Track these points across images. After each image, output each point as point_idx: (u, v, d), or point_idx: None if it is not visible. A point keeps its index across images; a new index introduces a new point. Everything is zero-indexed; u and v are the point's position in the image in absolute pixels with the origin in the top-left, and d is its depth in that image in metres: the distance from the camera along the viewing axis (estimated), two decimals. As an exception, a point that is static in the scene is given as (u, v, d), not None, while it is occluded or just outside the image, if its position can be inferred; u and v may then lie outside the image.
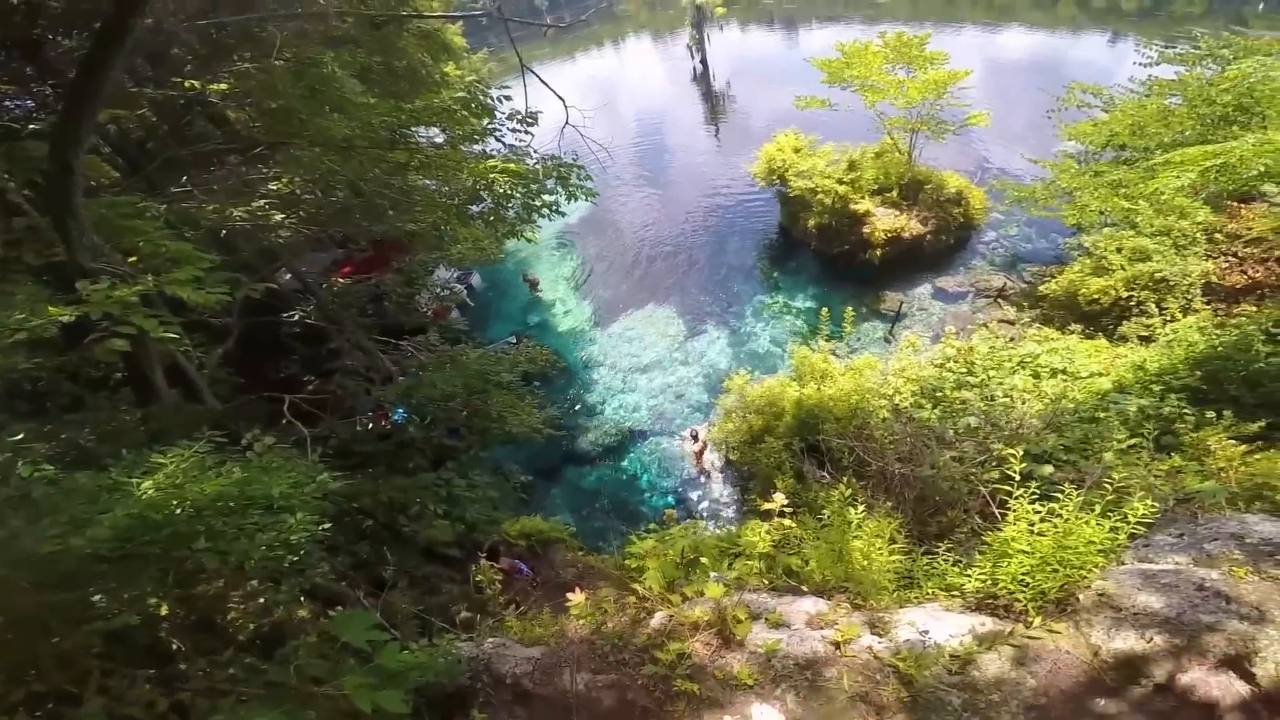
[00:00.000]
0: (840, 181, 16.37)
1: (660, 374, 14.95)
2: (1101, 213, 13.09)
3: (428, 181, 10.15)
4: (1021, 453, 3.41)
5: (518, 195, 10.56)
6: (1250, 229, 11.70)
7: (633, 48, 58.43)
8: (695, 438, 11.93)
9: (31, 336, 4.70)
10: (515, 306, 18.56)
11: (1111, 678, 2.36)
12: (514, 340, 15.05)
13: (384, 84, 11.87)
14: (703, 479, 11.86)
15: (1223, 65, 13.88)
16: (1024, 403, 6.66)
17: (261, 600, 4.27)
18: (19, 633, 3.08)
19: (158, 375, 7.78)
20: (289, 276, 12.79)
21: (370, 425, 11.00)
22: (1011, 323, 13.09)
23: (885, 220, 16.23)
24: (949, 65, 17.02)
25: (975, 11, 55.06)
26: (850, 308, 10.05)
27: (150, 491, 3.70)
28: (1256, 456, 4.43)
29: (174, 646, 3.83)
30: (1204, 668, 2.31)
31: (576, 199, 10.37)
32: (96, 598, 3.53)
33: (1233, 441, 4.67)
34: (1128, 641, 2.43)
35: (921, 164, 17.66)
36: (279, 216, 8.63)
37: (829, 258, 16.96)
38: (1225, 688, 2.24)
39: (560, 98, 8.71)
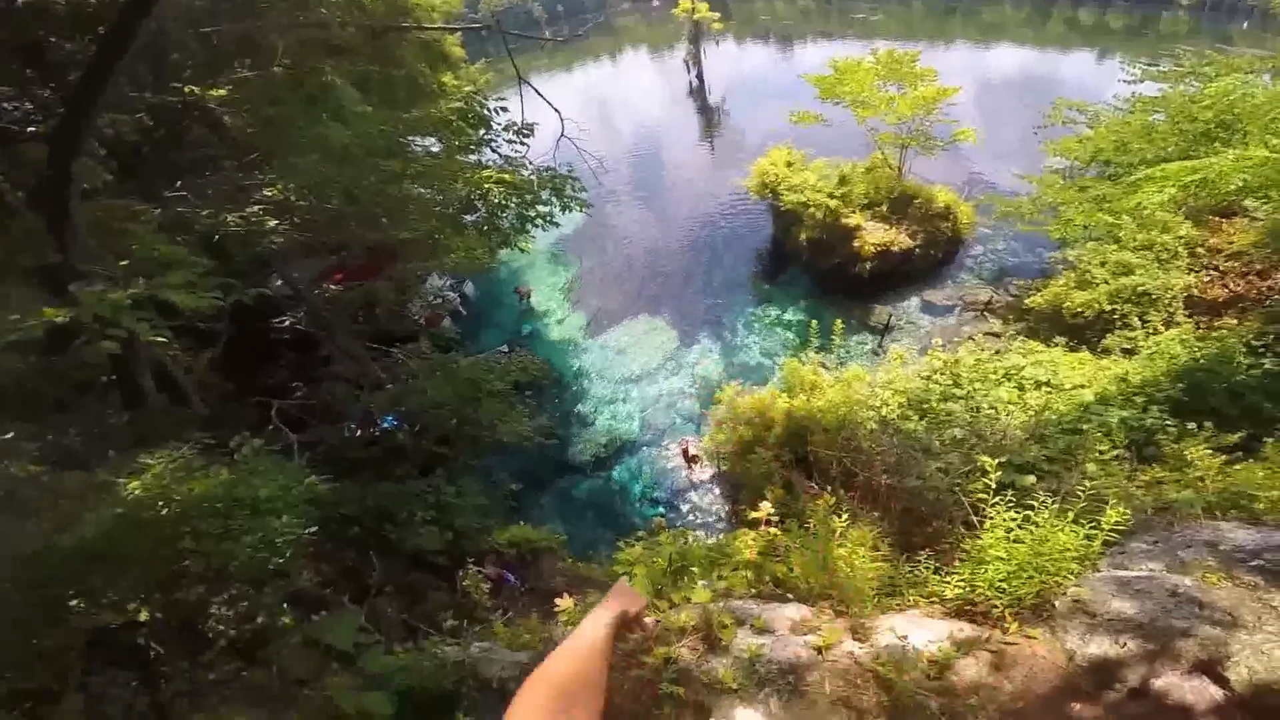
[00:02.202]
0: (831, 196, 16.64)
1: (652, 384, 15.04)
2: (1085, 227, 13.36)
3: (423, 190, 10.23)
4: (1000, 461, 3.47)
5: (512, 205, 10.66)
6: (1231, 243, 11.94)
7: (630, 61, 59.26)
8: (687, 449, 11.97)
9: (23, 338, 4.70)
10: (508, 315, 18.63)
11: (1086, 682, 2.41)
12: (506, 349, 15.13)
13: (382, 93, 11.98)
14: (693, 489, 11.91)
15: (1205, 82, 14.26)
16: (1008, 414, 6.75)
17: (244, 605, 4.25)
18: (2, 630, 3.06)
19: (146, 379, 7.78)
20: (280, 282, 12.80)
21: (359, 432, 10.96)
22: (997, 335, 13.28)
23: (875, 234, 16.47)
24: (939, 82, 17.44)
25: (966, 29, 56.27)
26: (840, 320, 10.18)
27: (137, 492, 3.71)
28: (1236, 467, 4.52)
29: (156, 649, 3.81)
30: (1177, 672, 2.36)
31: (571, 210, 10.47)
32: (75, 601, 3.51)
33: (1212, 452, 4.76)
34: (1102, 647, 2.48)
35: (911, 179, 18.01)
36: (272, 223, 8.68)
37: (820, 271, 17.20)
38: (1199, 692, 2.29)
39: (556, 110, 8.84)
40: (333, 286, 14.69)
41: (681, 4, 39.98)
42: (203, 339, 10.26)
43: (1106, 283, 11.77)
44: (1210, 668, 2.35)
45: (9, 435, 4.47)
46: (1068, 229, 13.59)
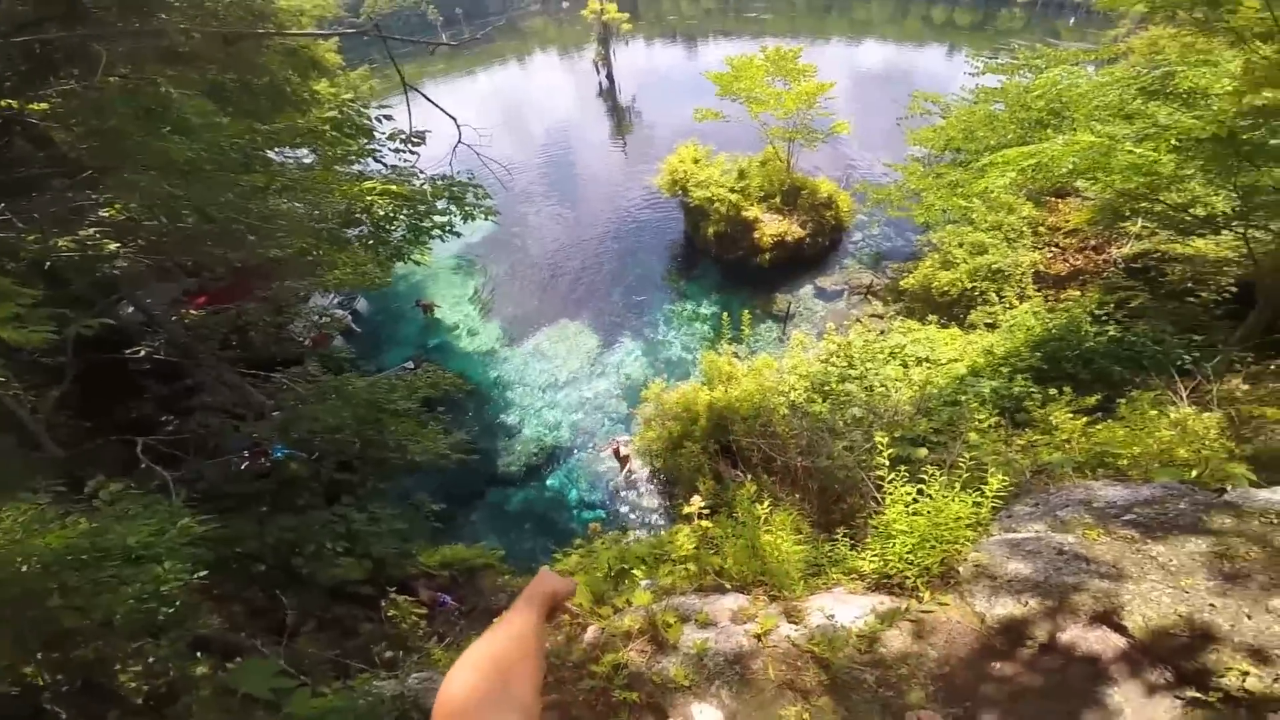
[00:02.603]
0: (733, 190, 17.36)
1: (578, 388, 14.97)
2: (944, 211, 14.76)
3: (294, 205, 9.48)
4: (894, 437, 3.80)
5: (402, 217, 10.15)
6: (1068, 221, 13.67)
7: (539, 64, 58.24)
8: (618, 450, 12.03)
9: None
10: (411, 331, 17.74)
11: (1000, 642, 2.66)
12: (412, 365, 14.38)
13: (241, 103, 10.92)
14: (629, 489, 12.00)
15: (1036, 74, 16.08)
16: (897, 391, 7.39)
17: (150, 660, 3.89)
18: None
19: None
20: (132, 309, 11.40)
21: (246, 464, 10.07)
22: (880, 317, 14.44)
23: (772, 226, 17.39)
24: (817, 77, 18.60)
25: (840, 26, 60.33)
26: (746, 311, 10.65)
27: None
28: (1097, 428, 5.17)
29: (58, 712, 3.38)
30: (1079, 625, 2.62)
31: (474, 219, 10.11)
32: None
33: (1073, 415, 5.44)
34: (1007, 607, 2.72)
35: (799, 171, 19.12)
36: (113, 246, 7.76)
37: (727, 263, 17.90)
38: (1103, 641, 2.56)
39: (451, 116, 8.48)
40: (194, 311, 13.28)
41: (590, 5, 39.92)
42: (50, 374, 8.97)
43: (965, 262, 13.15)
44: (1108, 618, 2.62)
45: None
46: (929, 214, 15.00)
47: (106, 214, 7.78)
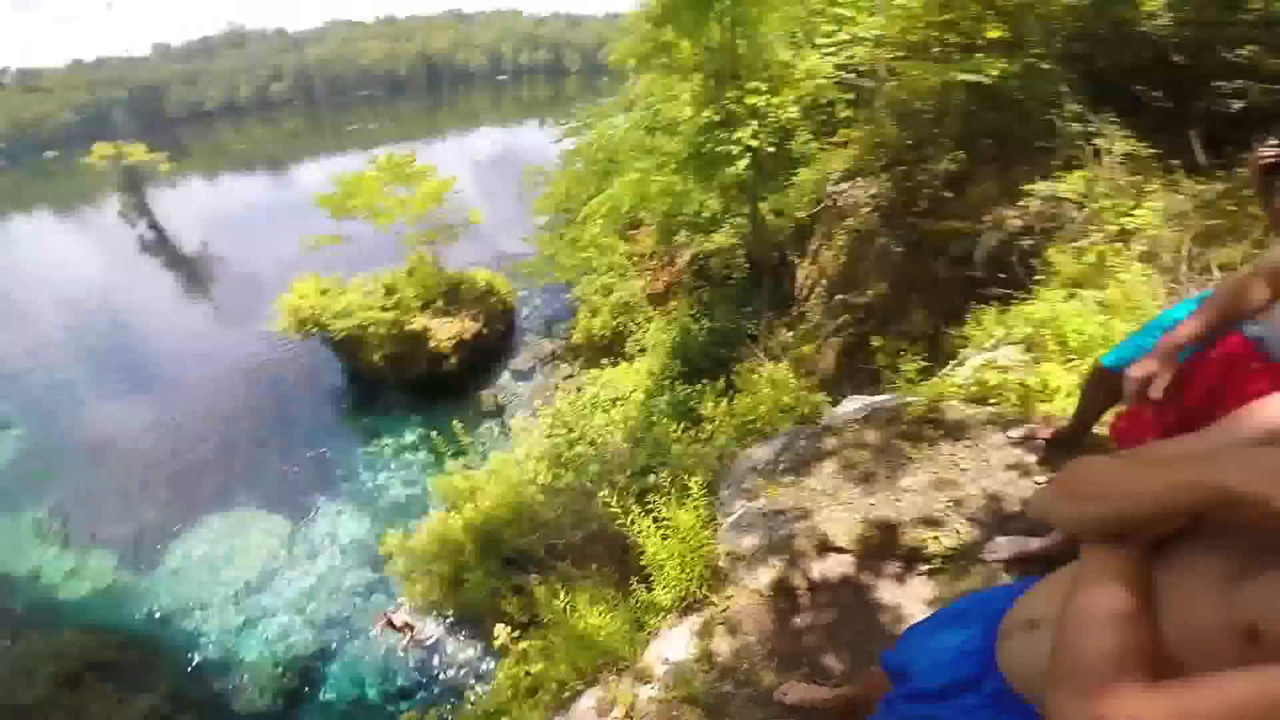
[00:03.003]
0: (385, 309, 16.76)
1: (290, 580, 12.66)
2: (575, 267, 17.25)
3: None
4: (627, 478, 4.40)
5: None
6: (646, 248, 17.33)
7: (25, 231, 43.92)
8: (390, 621, 10.65)
9: None
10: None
11: (783, 602, 3.17)
12: None
13: None
14: (428, 652, 10.74)
15: (591, 131, 19.40)
16: (611, 435, 8.63)
17: None
18: None
19: None
20: None
21: None
22: (572, 376, 16.06)
23: (445, 329, 17.53)
24: (440, 175, 19.41)
25: (450, 120, 62.68)
26: (457, 420, 10.61)
27: None
28: (733, 405, 6.85)
29: None
30: (816, 561, 3.14)
31: None
32: None
33: (715, 401, 7.11)
34: (768, 574, 3.30)
35: (452, 269, 19.54)
36: None
37: (412, 382, 17.13)
38: (841, 562, 3.14)
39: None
40: None
41: (97, 151, 32.84)
42: None
43: (604, 305, 15.73)
44: (826, 546, 3.17)
45: None
46: (567, 272, 17.28)
47: None
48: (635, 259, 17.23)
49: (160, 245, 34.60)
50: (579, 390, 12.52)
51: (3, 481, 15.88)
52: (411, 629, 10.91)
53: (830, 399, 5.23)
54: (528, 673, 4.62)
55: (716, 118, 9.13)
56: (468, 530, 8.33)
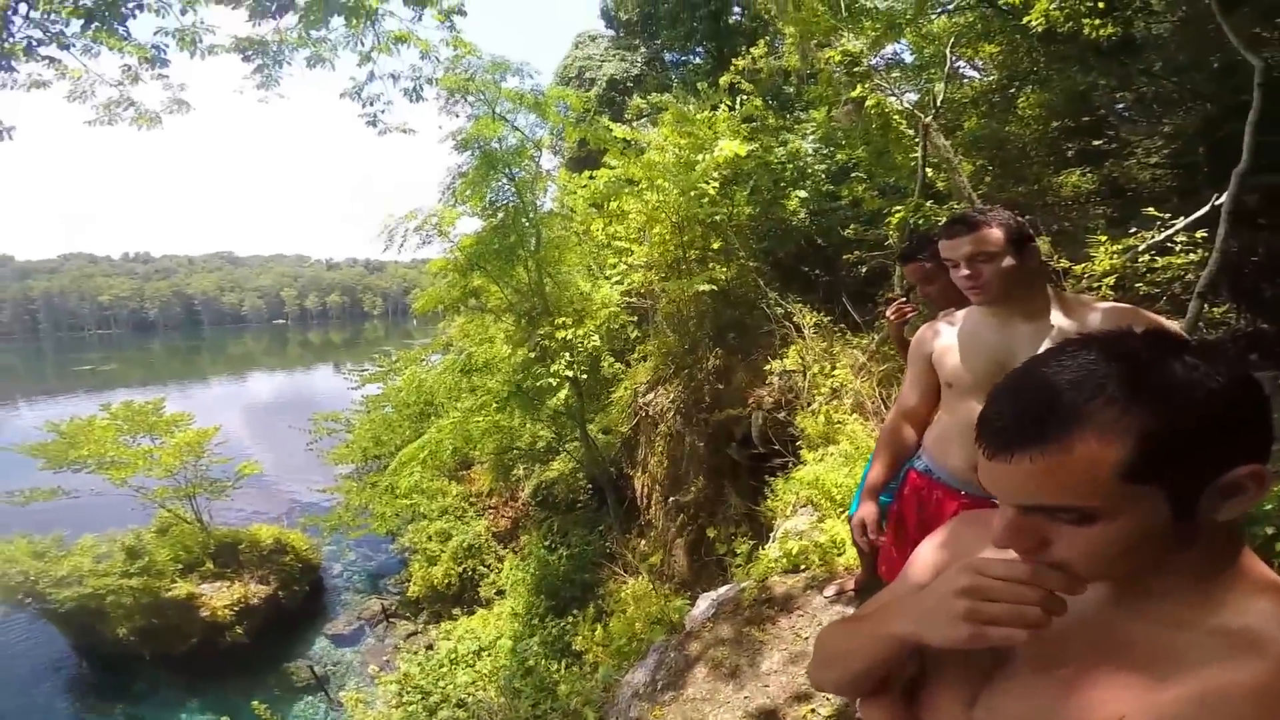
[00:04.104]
0: (128, 573, 13.55)
1: None
2: (396, 515, 15.97)
3: None
4: None
5: None
6: (483, 486, 17.12)
7: None
8: None
9: None
10: None
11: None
12: None
13: None
14: None
15: (400, 375, 18.89)
16: (483, 690, 8.10)
17: None
18: None
19: None
20: None
21: None
22: (417, 633, 14.27)
23: (220, 596, 14.58)
24: (197, 424, 17.26)
25: (217, 365, 56.34)
26: (259, 702, 8.45)
27: None
28: (608, 629, 7.12)
29: None
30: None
31: None
32: None
33: (589, 629, 7.41)
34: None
35: (222, 526, 16.83)
36: None
37: (182, 659, 13.60)
38: None
39: None
40: None
41: None
42: None
43: (443, 553, 14.88)
44: None
45: None
46: (386, 521, 15.87)
47: None
48: (472, 499, 16.94)
49: None
50: (429, 648, 11.29)
51: None
52: None
53: (689, 599, 5.56)
54: None
55: (532, 354, 9.60)
56: None
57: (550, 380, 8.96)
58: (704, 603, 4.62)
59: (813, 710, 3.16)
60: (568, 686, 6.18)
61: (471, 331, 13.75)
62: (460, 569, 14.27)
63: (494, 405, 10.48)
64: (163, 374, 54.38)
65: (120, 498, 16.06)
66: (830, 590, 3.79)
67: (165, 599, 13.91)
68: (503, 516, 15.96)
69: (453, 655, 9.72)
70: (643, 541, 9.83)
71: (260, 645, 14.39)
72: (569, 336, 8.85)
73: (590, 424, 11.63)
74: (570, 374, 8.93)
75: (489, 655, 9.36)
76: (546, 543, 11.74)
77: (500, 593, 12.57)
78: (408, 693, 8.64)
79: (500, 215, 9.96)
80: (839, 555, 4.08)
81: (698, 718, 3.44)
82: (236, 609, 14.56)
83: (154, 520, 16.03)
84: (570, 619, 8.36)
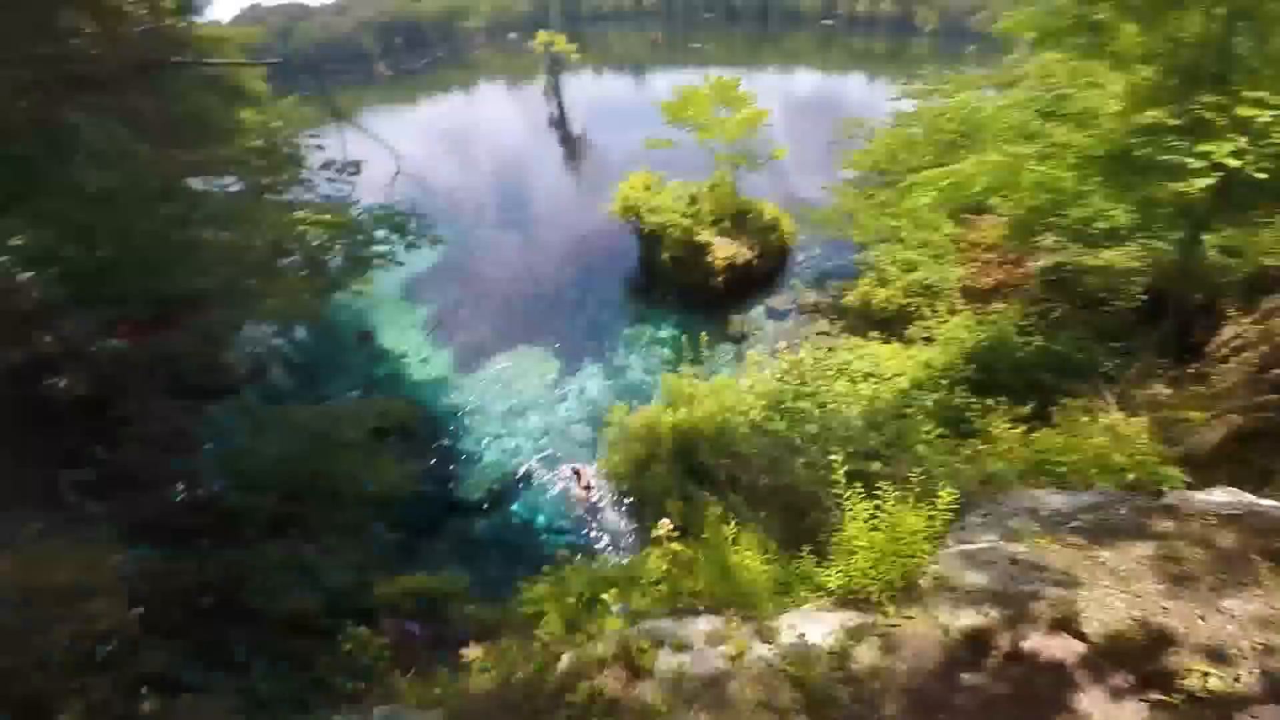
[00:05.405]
0: (685, 215, 17.74)
1: (539, 414, 14.80)
2: (876, 230, 15.61)
3: (222, 234, 9.20)
4: (846, 454, 3.88)
5: (338, 247, 10.06)
6: (986, 237, 14.56)
7: (486, 95, 58.30)
8: (578, 474, 11.91)
9: None
10: (354, 361, 17.17)
11: (964, 652, 2.72)
12: (357, 394, 13.92)
13: (158, 131, 10.59)
14: (596, 513, 11.83)
15: (946, 98, 17.28)
16: (847, 406, 7.69)
17: (94, 697, 3.84)
18: None
19: None
20: (48, 339, 10.71)
21: (183, 496, 9.59)
22: (827, 334, 14.94)
23: (723, 249, 17.84)
24: (756, 105, 19.44)
25: (773, 56, 63.34)
26: (704, 333, 10.77)
27: None
28: (1035, 435, 5.45)
29: None
30: (1039, 633, 2.67)
31: (417, 247, 10.11)
32: None
33: (1011, 424, 5.75)
34: (970, 618, 2.79)
35: (745, 195, 19.74)
36: (27, 275, 7.34)
37: (683, 286, 18.06)
38: (1065, 648, 2.61)
39: (389, 147, 8.45)
40: (117, 341, 12.54)
41: (540, 37, 40.74)
42: None
43: (899, 279, 13.86)
44: (1066, 625, 2.69)
45: None
46: (864, 233, 15.81)
47: (18, 242, 7.35)
48: (963, 246, 14.66)
49: (560, 122, 41.72)
50: (829, 350, 11.37)
51: (421, 279, 21.11)
52: (590, 489, 12.06)
53: (1188, 480, 4.10)
54: (668, 569, 4.61)
55: (1172, 121, 7.21)
56: (672, 430, 8.54)
57: (1189, 160, 6.66)
58: (1222, 495, 3.42)
59: (1206, 674, 2.37)
60: (931, 453, 5.19)
61: (1063, 73, 11.51)
62: (905, 301, 13.15)
63: (1070, 161, 7.97)
64: (738, 58, 61.66)
65: (697, 154, 19.80)
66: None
67: (693, 241, 17.64)
68: (988, 275, 13.48)
69: (844, 367, 9.39)
70: (1171, 390, 6.55)
71: (725, 295, 17.51)
72: (1257, 117, 6.45)
73: (1209, 234, 8.30)
74: (1233, 164, 6.38)
75: (876, 384, 8.62)
76: (1024, 323, 9.16)
77: (929, 339, 11.11)
78: (790, 375, 8.99)
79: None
80: None
81: (1086, 580, 2.88)
82: (726, 263, 17.61)
83: (710, 177, 19.65)
84: (993, 401, 6.59)
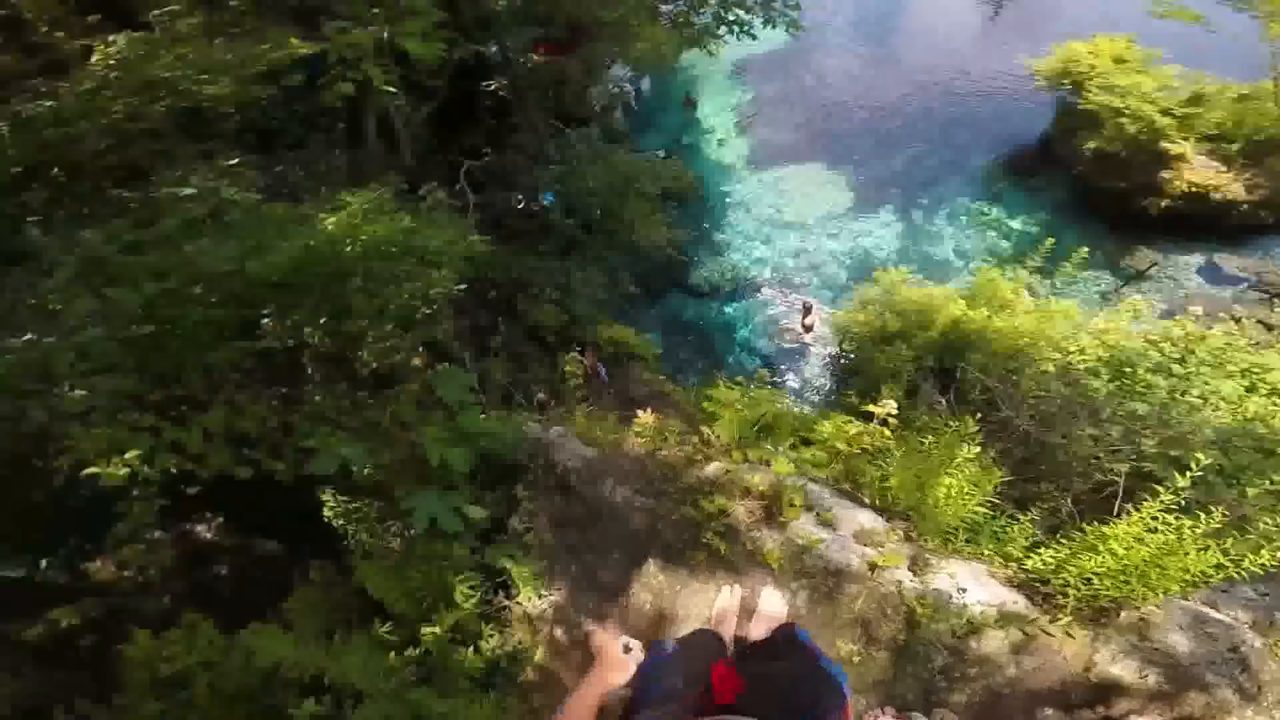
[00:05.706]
0: (1166, 113, 12.57)
1: (801, 237, 13.96)
2: None
3: None
4: (1161, 453, 2.89)
5: (713, 2, 9.94)
6: None
7: None
8: (807, 309, 11.41)
9: (273, 68, 5.19)
10: (672, 122, 17.51)
11: (1077, 695, 2.32)
12: (663, 154, 14.66)
13: None
14: (802, 355, 11.53)
15: None
16: (1214, 410, 5.57)
17: (389, 344, 4.76)
18: (175, 342, 3.53)
19: (370, 124, 8.71)
20: (495, 48, 13.13)
21: (522, 203, 11.65)
22: (1271, 328, 10.39)
23: (1198, 173, 12.60)
24: None
25: None
26: (1084, 249, 8.05)
27: (330, 227, 4.21)
28: None
29: (308, 371, 4.47)
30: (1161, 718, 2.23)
31: (774, 26, 9.39)
32: (265, 320, 4.00)
33: None
34: (1123, 670, 2.36)
35: None
36: None
37: (1091, 189, 13.79)
38: None
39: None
40: (535, 57, 14.76)
41: None
42: (422, 95, 11.07)
43: None
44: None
45: (234, 161, 5.10)
46: None
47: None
48: None
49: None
50: (1255, 345, 7.82)
51: (753, 63, 18.49)
52: (810, 330, 11.45)
53: None
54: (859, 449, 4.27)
55: None
56: (953, 322, 7.33)
57: None
58: None
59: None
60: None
61: None
62: None
63: None
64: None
65: (1247, 50, 13.12)
66: None
67: (1152, 145, 12.67)
68: None
69: (1253, 370, 6.47)
70: None
71: (1152, 223, 12.90)
72: None
73: None
74: None
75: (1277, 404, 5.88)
76: None
77: None
78: (1171, 344, 6.52)
79: None
80: None
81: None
82: (1189, 189, 12.60)
83: (1254, 85, 13.14)
84: None
